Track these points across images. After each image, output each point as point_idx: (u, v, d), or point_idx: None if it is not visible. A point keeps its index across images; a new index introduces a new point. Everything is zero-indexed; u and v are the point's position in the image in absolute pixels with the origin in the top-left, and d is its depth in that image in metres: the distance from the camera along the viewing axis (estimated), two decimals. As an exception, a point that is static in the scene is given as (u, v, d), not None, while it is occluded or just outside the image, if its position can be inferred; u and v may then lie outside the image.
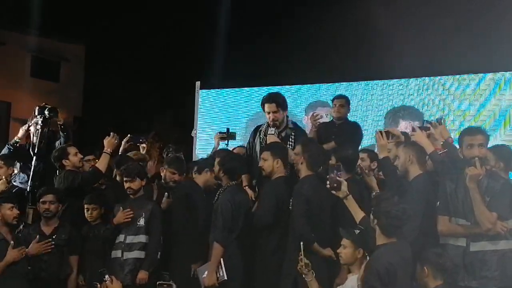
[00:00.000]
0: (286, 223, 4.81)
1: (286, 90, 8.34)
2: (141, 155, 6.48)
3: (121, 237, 5.28)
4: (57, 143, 6.59)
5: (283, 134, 5.53)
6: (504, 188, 4.11)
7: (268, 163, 4.99)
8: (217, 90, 9.56)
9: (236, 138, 6.54)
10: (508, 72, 7.59)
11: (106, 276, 4.23)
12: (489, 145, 4.38)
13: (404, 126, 7.85)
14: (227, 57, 13.27)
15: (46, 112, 6.17)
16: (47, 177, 5.98)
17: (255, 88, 9.15)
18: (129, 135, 6.65)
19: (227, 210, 4.93)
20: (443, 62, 9.24)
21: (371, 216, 3.85)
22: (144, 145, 6.79)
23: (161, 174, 6.05)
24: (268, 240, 4.89)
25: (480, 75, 7.74)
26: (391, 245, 3.77)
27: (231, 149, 6.01)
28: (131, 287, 5.12)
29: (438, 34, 11.04)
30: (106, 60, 17.21)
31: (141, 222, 5.28)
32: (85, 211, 5.49)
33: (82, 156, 6.02)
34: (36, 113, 6.23)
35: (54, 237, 5.31)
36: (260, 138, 5.62)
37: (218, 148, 6.20)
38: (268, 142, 5.38)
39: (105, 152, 5.87)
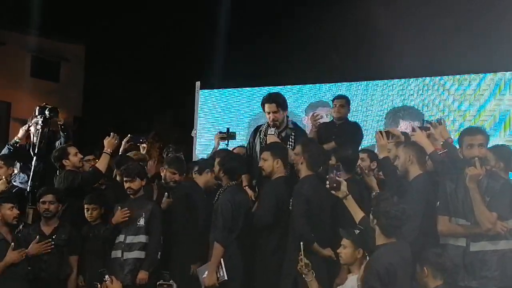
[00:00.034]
0: (286, 223, 4.80)
1: (287, 90, 8.35)
2: (141, 155, 6.48)
3: (121, 237, 5.28)
4: (57, 143, 6.58)
5: (283, 134, 5.52)
6: (504, 188, 4.10)
7: (268, 163, 4.99)
8: (217, 90, 9.55)
9: (237, 138, 6.53)
10: (509, 72, 7.59)
11: (106, 276, 4.21)
12: (489, 145, 4.38)
13: (404, 126, 7.85)
14: (227, 57, 13.25)
15: (46, 112, 6.18)
16: (47, 177, 5.98)
17: (256, 88, 9.15)
18: (129, 135, 6.64)
19: (227, 210, 4.92)
20: (443, 62, 9.25)
21: (371, 216, 3.86)
22: (144, 145, 6.79)
23: (161, 174, 6.03)
24: (268, 240, 4.88)
25: (481, 75, 7.74)
26: (391, 245, 3.77)
27: (231, 149, 6.01)
28: (131, 287, 5.11)
29: (438, 34, 11.05)
30: (106, 60, 17.19)
31: (141, 222, 5.28)
32: (85, 211, 5.49)
33: (82, 156, 6.02)
34: (36, 113, 6.24)
35: (54, 237, 5.30)
36: (260, 138, 5.61)
37: (218, 148, 6.20)
38: (268, 142, 5.37)
39: (105, 152, 5.86)
